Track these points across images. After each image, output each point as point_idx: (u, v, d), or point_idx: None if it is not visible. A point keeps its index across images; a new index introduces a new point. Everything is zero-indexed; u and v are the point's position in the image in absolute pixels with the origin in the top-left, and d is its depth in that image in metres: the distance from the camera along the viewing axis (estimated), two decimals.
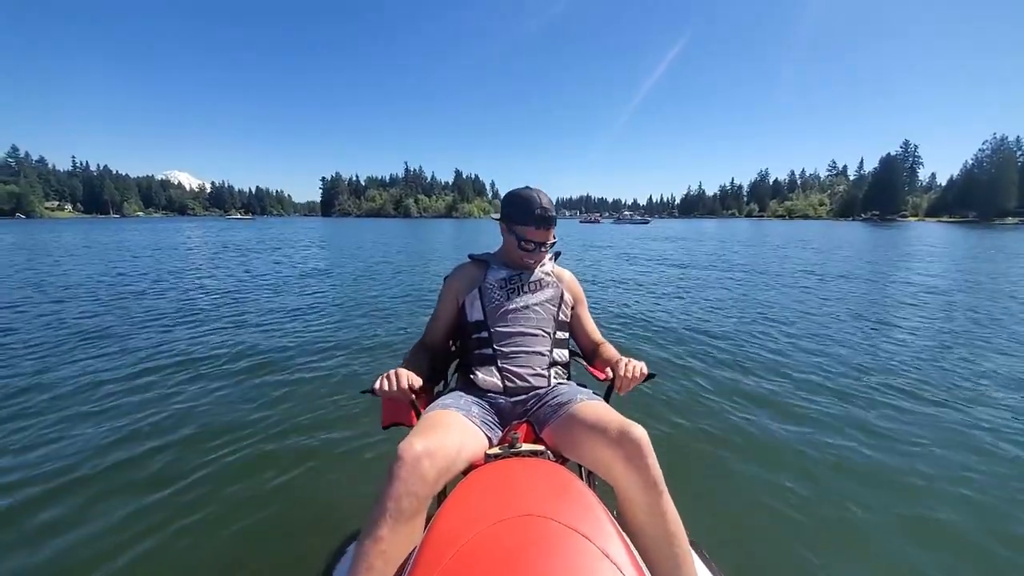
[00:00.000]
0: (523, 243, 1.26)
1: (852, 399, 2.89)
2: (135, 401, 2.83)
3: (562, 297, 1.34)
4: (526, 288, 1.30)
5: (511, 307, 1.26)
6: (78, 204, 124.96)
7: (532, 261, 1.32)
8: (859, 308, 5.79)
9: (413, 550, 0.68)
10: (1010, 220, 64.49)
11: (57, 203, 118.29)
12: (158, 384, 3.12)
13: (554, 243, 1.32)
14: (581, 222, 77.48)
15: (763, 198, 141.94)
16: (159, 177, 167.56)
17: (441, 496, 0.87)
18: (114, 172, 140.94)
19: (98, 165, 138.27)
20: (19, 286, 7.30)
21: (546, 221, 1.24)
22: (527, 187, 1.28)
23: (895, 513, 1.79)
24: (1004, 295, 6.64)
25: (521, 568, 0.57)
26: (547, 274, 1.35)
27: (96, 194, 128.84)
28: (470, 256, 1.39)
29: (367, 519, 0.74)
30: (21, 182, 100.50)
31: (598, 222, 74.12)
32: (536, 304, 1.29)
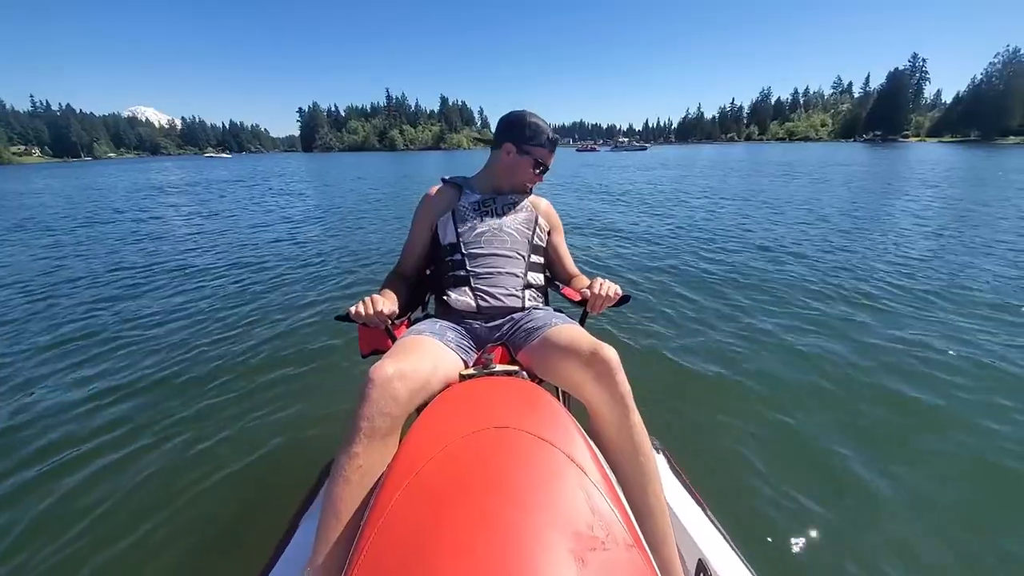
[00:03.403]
0: (539, 166, 1.33)
1: (819, 316, 3.07)
2: (106, 335, 2.96)
3: (536, 221, 1.37)
4: (500, 211, 1.32)
5: (484, 229, 1.28)
6: (45, 148, 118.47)
7: (531, 185, 1.39)
8: (835, 229, 6.20)
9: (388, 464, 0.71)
10: (1012, 139, 62.83)
11: (23, 147, 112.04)
12: (138, 314, 3.29)
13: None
14: (578, 150, 74.63)
15: (764, 120, 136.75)
16: (124, 114, 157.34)
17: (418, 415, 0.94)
18: (78, 111, 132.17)
19: (59, 104, 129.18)
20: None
21: (555, 144, 1.34)
22: (525, 111, 1.32)
23: (853, 421, 1.95)
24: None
25: (489, 474, 0.60)
26: (521, 199, 1.39)
27: (63, 135, 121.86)
28: (443, 179, 1.40)
29: (342, 437, 0.77)
30: None
31: (595, 150, 71.87)
32: (510, 227, 1.31)
